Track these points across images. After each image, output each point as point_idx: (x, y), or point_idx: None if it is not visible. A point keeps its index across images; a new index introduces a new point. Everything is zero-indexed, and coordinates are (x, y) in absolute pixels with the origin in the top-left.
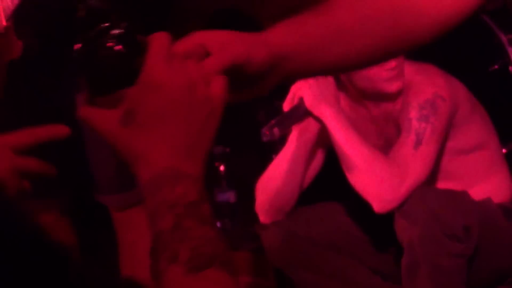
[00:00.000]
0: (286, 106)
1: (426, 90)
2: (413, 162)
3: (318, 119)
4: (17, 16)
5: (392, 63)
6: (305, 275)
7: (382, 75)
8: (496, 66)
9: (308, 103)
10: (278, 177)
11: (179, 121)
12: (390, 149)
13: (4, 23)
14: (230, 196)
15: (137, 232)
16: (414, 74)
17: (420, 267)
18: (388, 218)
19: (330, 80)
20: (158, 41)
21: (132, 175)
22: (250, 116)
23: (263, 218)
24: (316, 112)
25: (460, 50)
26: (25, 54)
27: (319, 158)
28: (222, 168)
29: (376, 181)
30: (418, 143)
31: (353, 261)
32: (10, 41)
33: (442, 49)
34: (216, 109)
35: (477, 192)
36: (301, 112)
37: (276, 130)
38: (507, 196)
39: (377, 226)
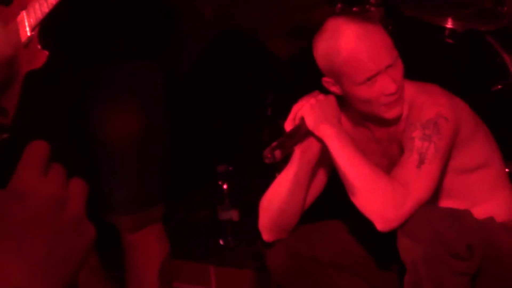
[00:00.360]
0: (288, 125)
1: (429, 110)
2: (416, 181)
3: (320, 139)
4: (44, 27)
5: (392, 88)
6: None
7: (382, 100)
8: (499, 86)
9: (310, 123)
10: (281, 197)
11: (40, 238)
12: (393, 168)
13: (29, 34)
14: (233, 214)
15: (146, 254)
16: (416, 94)
17: (423, 285)
18: (391, 236)
19: (331, 99)
20: (34, 148)
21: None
22: (254, 135)
23: (266, 236)
24: (317, 132)
25: (464, 70)
26: (48, 64)
27: (322, 177)
28: (225, 186)
29: (379, 200)
30: (421, 162)
31: (357, 279)
32: (33, 51)
33: (446, 69)
34: (86, 233)
35: (480, 211)
36: (302, 132)
37: (277, 153)
38: (510, 215)
39: (380, 245)
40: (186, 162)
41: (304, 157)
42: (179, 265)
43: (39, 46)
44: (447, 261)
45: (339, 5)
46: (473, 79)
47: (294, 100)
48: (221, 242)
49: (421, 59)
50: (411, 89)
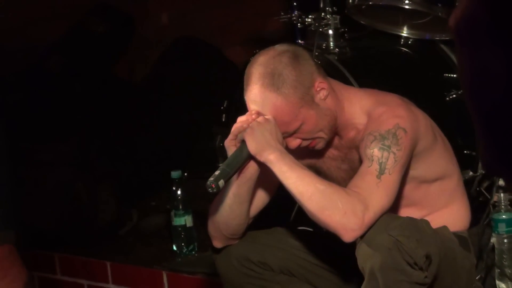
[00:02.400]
0: (228, 145)
1: (388, 121)
2: (376, 191)
3: (264, 164)
4: None
5: (291, 146)
6: None
7: None
8: (453, 95)
9: (252, 149)
10: (223, 210)
11: None
12: (353, 172)
13: None
14: (186, 219)
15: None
16: (375, 104)
17: None
18: (346, 244)
19: (271, 122)
20: None
21: None
22: (207, 142)
23: (215, 243)
24: (260, 158)
25: (418, 78)
26: None
27: (267, 189)
28: (179, 192)
29: (340, 213)
30: (381, 172)
31: (306, 286)
32: None
33: (401, 77)
34: None
35: (436, 219)
36: (244, 156)
37: (221, 182)
38: (464, 224)
39: (335, 252)
40: (140, 168)
41: (243, 176)
42: (133, 270)
43: None
44: (405, 270)
45: (295, 13)
46: (427, 88)
47: (245, 109)
48: (174, 247)
49: (376, 67)
50: (369, 99)
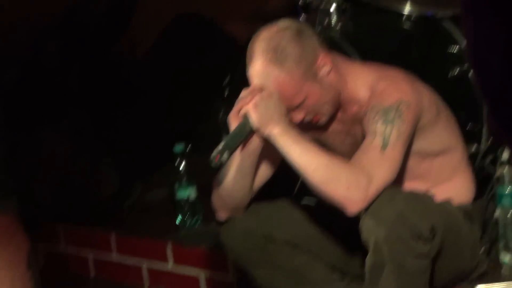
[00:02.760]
0: (232, 119)
1: (392, 96)
2: (380, 165)
3: (267, 138)
4: None
5: (296, 120)
6: (262, 272)
7: None
8: (456, 72)
9: (256, 123)
10: (227, 182)
11: None
12: (356, 146)
13: None
14: (190, 192)
15: (9, 248)
16: (378, 79)
17: (384, 267)
18: (348, 218)
19: (275, 96)
20: None
21: None
22: (211, 115)
23: (219, 215)
24: (264, 132)
25: (421, 56)
26: None
27: (269, 164)
28: (182, 165)
29: (343, 186)
30: (384, 146)
31: (312, 258)
32: None
33: (403, 54)
34: None
35: (440, 192)
36: (247, 130)
37: (224, 156)
38: (468, 198)
39: (339, 224)
40: (144, 141)
41: (246, 150)
42: (137, 242)
43: None
44: (409, 243)
45: None
46: (430, 65)
47: (248, 83)
48: (178, 220)
49: (379, 44)
50: (372, 73)
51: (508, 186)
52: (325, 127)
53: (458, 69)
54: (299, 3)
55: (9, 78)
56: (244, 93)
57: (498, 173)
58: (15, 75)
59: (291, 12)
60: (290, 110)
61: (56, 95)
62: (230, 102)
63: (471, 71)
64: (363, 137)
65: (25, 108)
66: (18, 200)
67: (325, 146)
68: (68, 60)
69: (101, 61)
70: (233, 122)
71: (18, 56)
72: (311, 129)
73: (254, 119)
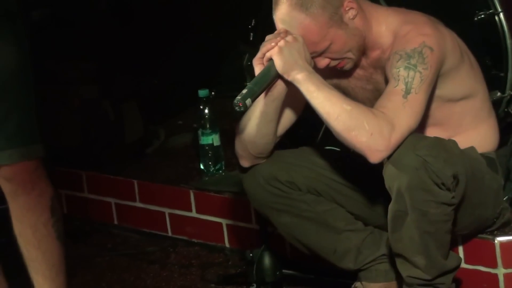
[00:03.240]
0: (256, 63)
1: (414, 40)
2: (403, 111)
3: (291, 84)
4: None
5: (321, 65)
6: (285, 219)
7: None
8: (482, 15)
9: (280, 67)
10: (251, 129)
11: None
12: (378, 93)
13: None
14: (214, 138)
15: (34, 192)
16: (401, 23)
17: (406, 215)
18: (373, 165)
19: (300, 41)
20: None
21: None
22: (235, 61)
23: (243, 162)
24: (288, 77)
25: None
26: None
27: (292, 110)
28: (206, 111)
29: (367, 133)
30: (407, 92)
31: (334, 205)
32: None
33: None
34: None
35: (463, 140)
36: (272, 75)
37: (248, 101)
38: (492, 145)
39: (361, 172)
40: (169, 86)
41: (270, 95)
42: (160, 189)
43: None
44: (432, 190)
45: None
46: (455, 8)
47: (273, 27)
48: (201, 166)
49: None
50: (396, 18)
51: None
52: (347, 73)
53: (484, 12)
54: None
55: (36, 19)
56: (269, 37)
57: None
58: (43, 14)
59: None
60: (314, 56)
61: (82, 35)
62: (254, 46)
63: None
64: (385, 83)
65: (52, 49)
66: (43, 146)
67: (346, 92)
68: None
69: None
70: (257, 67)
71: None
72: (334, 75)
73: (279, 64)
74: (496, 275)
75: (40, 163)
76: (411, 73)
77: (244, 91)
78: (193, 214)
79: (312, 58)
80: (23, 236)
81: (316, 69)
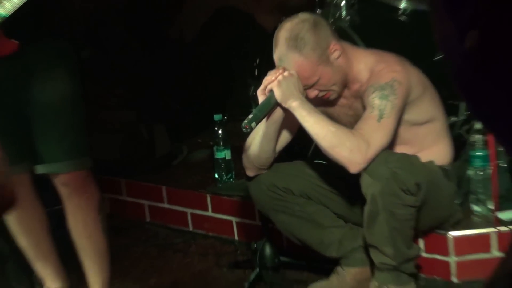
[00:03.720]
0: (260, 94)
1: (387, 75)
2: (377, 132)
3: (288, 110)
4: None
5: (309, 97)
6: (282, 217)
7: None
8: (440, 56)
9: (279, 97)
10: (255, 146)
11: None
12: (357, 117)
13: None
14: (226, 153)
15: (84, 195)
16: (376, 62)
17: (378, 215)
18: (351, 175)
19: (295, 76)
20: None
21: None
22: (244, 92)
23: (249, 172)
24: (285, 104)
25: (412, 42)
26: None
27: (288, 131)
28: (220, 131)
29: (347, 150)
30: (380, 116)
31: (321, 207)
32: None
33: (399, 40)
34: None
35: (425, 155)
36: (272, 103)
37: (253, 124)
38: (448, 160)
39: (343, 181)
40: (190, 111)
41: (271, 119)
42: (183, 193)
43: (4, 38)
44: (400, 195)
45: None
46: (420, 50)
47: (274, 65)
48: (216, 176)
49: (379, 32)
50: (372, 57)
51: (479, 151)
52: (333, 101)
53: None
54: None
55: (85, 56)
56: (270, 73)
57: (471, 140)
58: (90, 53)
59: (310, 6)
60: (306, 88)
61: (122, 72)
62: (259, 80)
63: None
64: (363, 109)
65: (97, 81)
66: (91, 159)
67: (332, 117)
68: (131, 39)
69: (157, 43)
70: (261, 96)
71: (93, 38)
72: (322, 103)
73: (278, 94)
74: (448, 262)
75: (89, 172)
76: (384, 102)
77: (250, 116)
78: (209, 213)
79: (304, 89)
80: (75, 230)
81: (307, 98)
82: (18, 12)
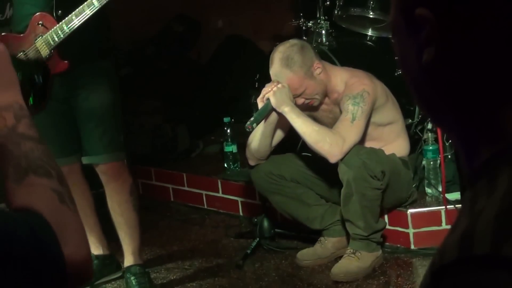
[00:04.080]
0: (259, 101)
1: (358, 87)
2: (350, 131)
3: (281, 114)
4: (62, 46)
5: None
6: (276, 197)
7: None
8: (400, 72)
9: (274, 104)
10: (255, 142)
11: None
12: (335, 119)
13: (49, 52)
14: (233, 148)
15: (120, 180)
16: (349, 77)
17: (352, 196)
18: (332, 165)
19: (286, 88)
20: None
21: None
22: (246, 99)
23: (250, 162)
24: (279, 110)
25: (378, 61)
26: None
27: (281, 130)
28: (228, 130)
29: (327, 144)
30: (353, 119)
31: (307, 190)
32: (54, 62)
33: (368, 60)
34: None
35: (388, 149)
36: (269, 109)
37: (254, 125)
38: (405, 152)
39: (324, 168)
40: (204, 115)
41: (268, 121)
42: (199, 179)
43: (58, 58)
44: (368, 180)
45: (301, 20)
46: (384, 68)
47: (270, 79)
48: (225, 165)
49: (352, 54)
50: (346, 73)
51: (430, 145)
52: (316, 107)
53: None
54: (303, 28)
55: (125, 73)
56: (267, 85)
57: (424, 137)
58: (129, 71)
59: (297, 34)
60: (295, 96)
61: (152, 85)
62: (258, 91)
63: None
64: (340, 113)
65: (134, 92)
66: (126, 153)
67: (316, 119)
68: (161, 60)
69: (180, 63)
70: (260, 103)
71: (131, 59)
72: (308, 109)
73: (273, 101)
74: (408, 233)
75: (123, 163)
76: (356, 107)
77: (252, 118)
78: (220, 194)
79: (294, 98)
80: (112, 208)
81: (296, 105)
82: (73, 37)
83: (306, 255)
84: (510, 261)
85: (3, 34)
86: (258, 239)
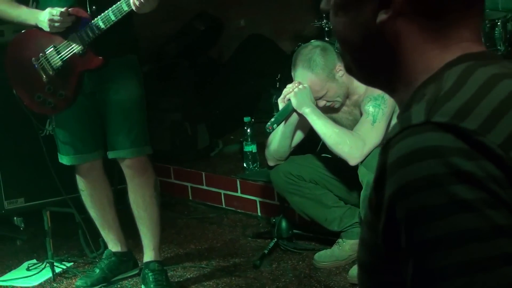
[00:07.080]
0: (280, 101)
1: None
2: (371, 133)
3: (302, 115)
4: (97, 42)
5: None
6: (295, 198)
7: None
8: None
9: (295, 105)
10: (275, 143)
11: None
12: (356, 121)
13: (83, 48)
14: (253, 147)
15: (144, 175)
16: None
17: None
18: (350, 167)
19: (307, 89)
20: None
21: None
22: (267, 99)
23: (270, 162)
24: (300, 111)
25: None
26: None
27: (302, 130)
28: (249, 130)
29: (348, 147)
30: (374, 121)
31: (326, 191)
32: (88, 58)
33: None
34: None
35: None
36: (290, 109)
37: (275, 125)
38: None
39: (344, 170)
40: (225, 115)
41: (288, 122)
42: (218, 178)
43: (93, 54)
44: None
45: (324, 21)
46: None
47: (291, 79)
48: (244, 165)
49: None
50: None
51: None
52: (337, 109)
53: None
54: (325, 29)
55: (146, 70)
56: (288, 85)
57: None
58: (150, 68)
59: (320, 34)
60: (317, 99)
61: (173, 83)
62: (279, 91)
63: None
64: (360, 115)
65: (154, 89)
66: (151, 148)
67: (336, 121)
68: (181, 58)
69: (201, 62)
70: (281, 104)
71: (153, 56)
72: (329, 110)
73: (294, 102)
74: None
75: (148, 158)
76: (376, 109)
77: (272, 119)
78: (239, 194)
79: (315, 99)
80: (135, 203)
81: (317, 106)
82: (107, 34)
83: (324, 256)
84: (439, 124)
85: (30, 29)
86: (275, 239)
